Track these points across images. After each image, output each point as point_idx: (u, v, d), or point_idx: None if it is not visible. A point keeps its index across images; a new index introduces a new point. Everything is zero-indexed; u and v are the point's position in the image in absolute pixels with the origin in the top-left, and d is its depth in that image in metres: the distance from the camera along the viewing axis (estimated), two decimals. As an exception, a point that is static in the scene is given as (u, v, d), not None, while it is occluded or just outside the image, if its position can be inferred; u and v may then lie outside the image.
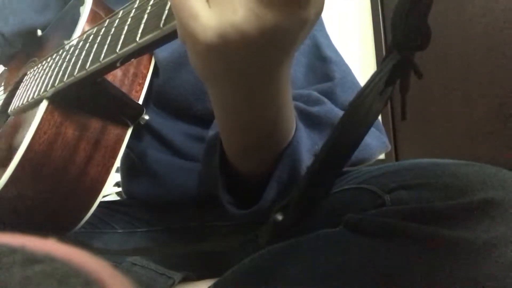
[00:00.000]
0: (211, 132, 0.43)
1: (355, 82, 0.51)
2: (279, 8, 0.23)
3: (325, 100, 0.45)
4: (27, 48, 0.68)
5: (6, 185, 0.45)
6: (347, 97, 0.47)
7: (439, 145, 1.48)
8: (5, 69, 0.75)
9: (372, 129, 0.47)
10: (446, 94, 1.45)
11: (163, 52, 0.53)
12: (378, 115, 0.25)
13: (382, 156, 0.46)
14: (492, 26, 1.33)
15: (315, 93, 0.45)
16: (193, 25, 0.25)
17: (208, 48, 0.25)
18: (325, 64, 0.50)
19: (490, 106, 1.34)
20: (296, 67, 0.50)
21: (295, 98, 0.42)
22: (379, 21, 1.64)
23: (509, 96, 1.29)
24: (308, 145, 0.39)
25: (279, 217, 0.28)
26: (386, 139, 0.49)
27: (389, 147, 0.49)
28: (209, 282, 0.39)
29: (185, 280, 0.43)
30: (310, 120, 0.41)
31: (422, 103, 1.50)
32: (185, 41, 0.27)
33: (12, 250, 0.14)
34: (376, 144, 0.46)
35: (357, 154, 0.42)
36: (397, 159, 1.57)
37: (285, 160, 0.37)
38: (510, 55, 1.29)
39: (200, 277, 0.43)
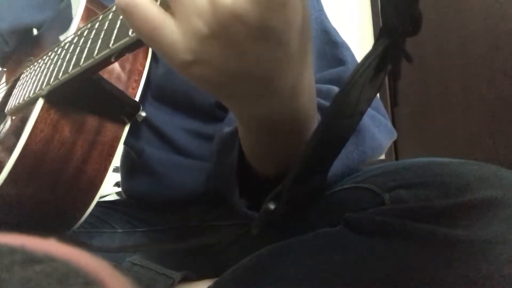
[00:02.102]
0: (226, 129, 0.41)
1: None
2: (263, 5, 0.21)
3: None
4: (24, 47, 0.67)
5: (4, 184, 0.45)
6: None
7: (439, 145, 1.48)
8: (2, 70, 0.75)
9: (384, 122, 0.46)
10: (446, 93, 1.46)
11: None
12: (370, 103, 0.24)
13: (382, 156, 0.45)
14: (492, 24, 1.33)
15: (336, 89, 0.44)
16: (160, 42, 0.24)
17: (184, 66, 0.24)
18: (335, 49, 0.49)
19: (490, 105, 1.34)
20: None
21: None
22: (379, 21, 1.64)
23: (509, 96, 1.30)
24: None
25: (271, 206, 0.27)
26: (391, 126, 0.48)
27: (396, 135, 0.48)
28: (209, 282, 0.39)
29: (185, 280, 0.43)
30: None
31: (422, 102, 1.51)
32: (169, 64, 0.25)
33: (12, 250, 0.13)
34: (386, 141, 0.45)
35: (371, 154, 0.41)
36: (397, 159, 1.57)
37: None
38: (510, 54, 1.29)
39: (200, 277, 0.43)
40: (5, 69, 0.73)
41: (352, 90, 0.23)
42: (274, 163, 0.36)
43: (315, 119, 0.34)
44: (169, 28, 0.23)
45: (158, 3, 0.24)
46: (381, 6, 0.22)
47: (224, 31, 0.22)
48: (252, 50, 0.23)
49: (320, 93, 0.42)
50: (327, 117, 0.24)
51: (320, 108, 0.40)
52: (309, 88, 0.29)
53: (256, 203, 0.37)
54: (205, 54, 0.23)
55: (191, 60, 0.24)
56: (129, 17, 0.24)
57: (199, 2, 0.22)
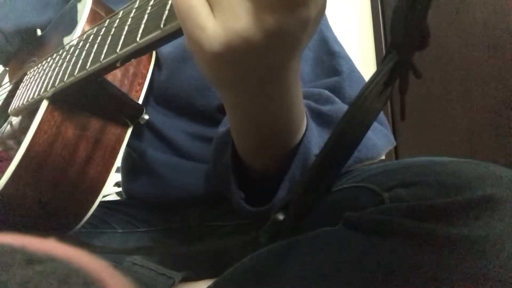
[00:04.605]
0: (221, 129, 0.43)
1: (361, 77, 0.51)
2: (280, 11, 0.23)
3: (336, 99, 0.45)
4: (27, 47, 0.68)
5: (7, 184, 0.45)
6: (355, 91, 0.47)
7: (439, 145, 1.48)
8: (5, 69, 0.75)
9: (379, 127, 0.47)
10: (445, 94, 1.46)
11: (167, 47, 0.53)
12: (377, 115, 0.25)
13: (382, 156, 0.46)
14: (492, 25, 1.33)
15: (326, 92, 0.45)
16: (199, 35, 0.25)
17: (215, 57, 0.26)
18: (333, 59, 0.51)
19: (490, 105, 1.34)
20: (304, 61, 0.50)
21: (306, 97, 0.43)
22: (379, 21, 1.64)
23: (509, 96, 1.29)
24: (319, 144, 0.39)
25: (280, 216, 0.28)
26: (390, 134, 0.49)
27: (394, 142, 0.49)
28: (209, 282, 0.39)
29: (185, 280, 0.43)
30: (321, 119, 0.42)
31: (422, 103, 1.50)
32: (192, 50, 0.27)
33: (12, 250, 0.14)
34: (382, 143, 0.46)
35: (366, 153, 0.43)
36: (397, 159, 1.57)
37: (297, 160, 0.37)
38: (510, 54, 1.29)
39: (200, 277, 0.43)
40: (7, 69, 0.74)
41: (362, 105, 0.24)
42: (261, 159, 0.38)
43: (301, 119, 0.36)
44: (205, 12, 0.25)
45: None
46: (390, 21, 0.23)
47: (266, 37, 0.24)
48: (276, 55, 0.26)
49: (311, 96, 0.44)
50: (337, 130, 0.25)
51: (312, 110, 0.41)
52: (294, 82, 0.31)
53: (252, 199, 0.39)
54: (234, 51, 0.25)
55: (219, 52, 0.25)
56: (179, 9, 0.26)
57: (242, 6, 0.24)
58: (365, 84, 0.24)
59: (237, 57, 0.25)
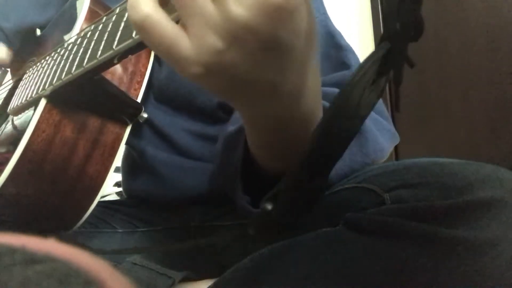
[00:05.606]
0: (231, 127, 0.42)
1: None
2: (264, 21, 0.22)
3: None
4: (27, 47, 0.68)
5: (5, 183, 0.45)
6: None
7: (439, 145, 1.48)
8: (4, 69, 0.75)
9: (387, 127, 0.46)
10: (445, 93, 1.46)
11: None
12: (372, 108, 0.24)
13: (386, 157, 0.46)
14: (492, 24, 1.33)
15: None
16: (175, 57, 0.25)
17: (196, 77, 0.25)
18: (340, 52, 0.50)
19: (490, 105, 1.34)
20: None
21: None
22: (379, 21, 1.64)
23: (509, 95, 1.29)
24: None
25: (269, 206, 0.27)
26: (393, 128, 0.48)
27: (398, 138, 0.49)
28: (209, 282, 0.39)
29: (185, 280, 0.43)
30: None
31: (422, 102, 1.50)
32: (177, 71, 0.27)
33: (12, 250, 0.14)
34: (389, 145, 0.45)
35: (374, 157, 0.42)
36: (397, 159, 1.57)
37: None
38: (510, 53, 1.29)
39: (200, 277, 0.43)
40: (8, 69, 0.74)
41: (352, 92, 0.23)
42: (279, 160, 0.37)
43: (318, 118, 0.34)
44: (183, 44, 0.24)
45: (171, 17, 0.25)
46: (383, 11, 0.23)
47: (237, 44, 0.23)
48: (261, 59, 0.24)
49: (325, 96, 0.43)
50: (325, 118, 0.24)
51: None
52: (313, 87, 0.30)
53: (255, 200, 0.38)
54: (217, 66, 0.24)
55: (203, 73, 0.25)
56: (146, 35, 0.25)
57: (212, 18, 0.23)
58: (355, 70, 0.23)
59: (219, 74, 0.25)
